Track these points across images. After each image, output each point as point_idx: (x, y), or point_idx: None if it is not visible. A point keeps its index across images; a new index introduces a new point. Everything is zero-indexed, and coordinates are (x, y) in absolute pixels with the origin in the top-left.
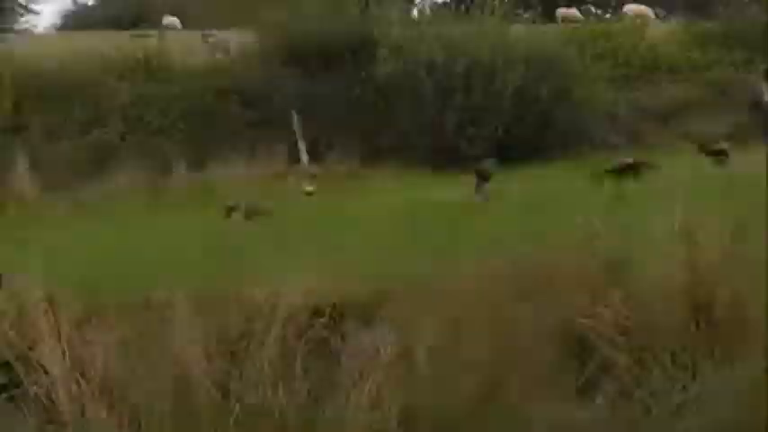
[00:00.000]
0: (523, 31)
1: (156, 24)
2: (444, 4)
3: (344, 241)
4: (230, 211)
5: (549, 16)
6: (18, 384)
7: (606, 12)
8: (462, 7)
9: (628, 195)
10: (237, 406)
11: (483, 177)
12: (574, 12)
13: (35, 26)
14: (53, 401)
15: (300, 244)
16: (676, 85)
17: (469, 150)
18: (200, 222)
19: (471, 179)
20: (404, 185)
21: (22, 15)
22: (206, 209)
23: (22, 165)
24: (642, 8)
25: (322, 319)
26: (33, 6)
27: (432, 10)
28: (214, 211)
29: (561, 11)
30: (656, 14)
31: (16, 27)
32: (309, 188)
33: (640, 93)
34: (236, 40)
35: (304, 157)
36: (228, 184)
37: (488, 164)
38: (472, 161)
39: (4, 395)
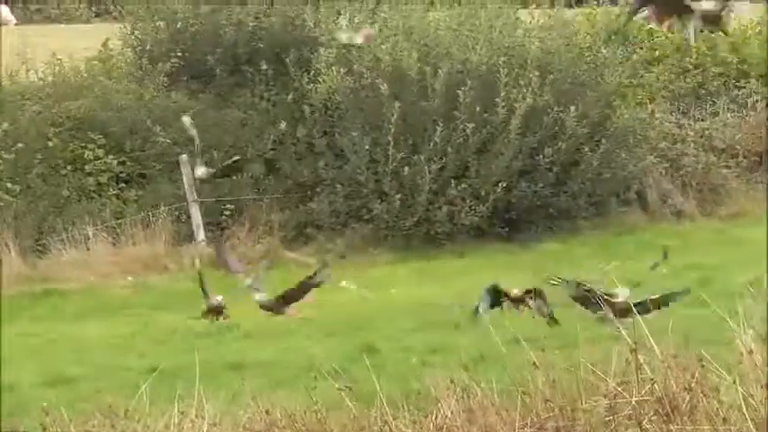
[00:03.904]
0: (539, 21)
1: None
2: None
3: None
4: None
5: None
6: None
7: None
8: None
9: None
10: None
11: None
12: None
13: None
14: None
15: None
16: None
17: (453, 221)
18: None
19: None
20: (353, 282)
21: None
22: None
23: None
24: None
25: None
26: None
27: None
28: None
29: None
30: None
31: None
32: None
33: (718, 119)
34: None
35: (199, 232)
36: (80, 279)
37: None
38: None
39: None
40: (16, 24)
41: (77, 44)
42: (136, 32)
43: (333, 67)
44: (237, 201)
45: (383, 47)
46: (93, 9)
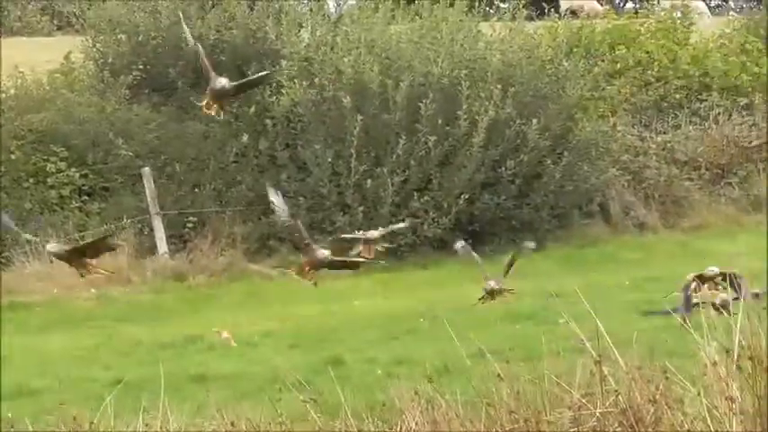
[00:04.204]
0: (500, 34)
1: None
2: None
3: None
4: None
5: (540, 8)
6: None
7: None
8: None
9: None
10: None
11: None
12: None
13: None
14: None
15: None
16: (738, 117)
17: (416, 233)
18: None
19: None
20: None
21: None
22: None
23: None
24: None
25: None
26: None
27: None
28: None
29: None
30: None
31: None
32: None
33: (680, 131)
34: None
35: (162, 244)
36: (44, 291)
37: None
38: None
39: None
40: None
41: (39, 57)
42: (98, 45)
43: (295, 80)
44: (200, 213)
45: (345, 60)
46: (56, 22)
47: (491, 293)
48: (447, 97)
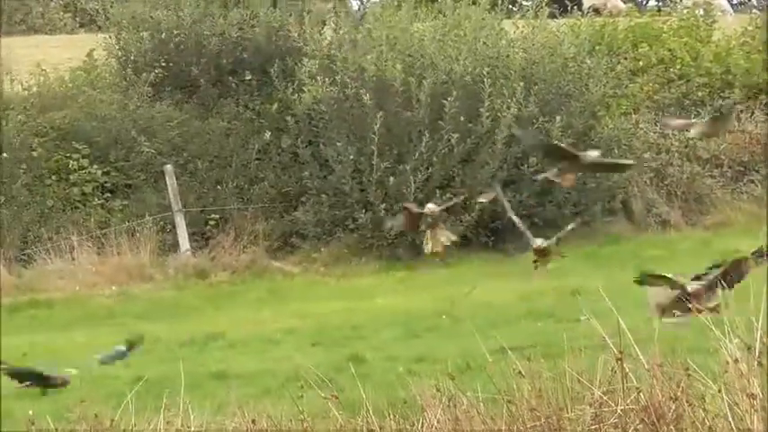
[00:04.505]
0: (523, 32)
1: None
2: None
3: None
4: None
5: (562, 6)
6: None
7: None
8: None
9: None
10: None
11: None
12: (616, 1)
13: None
14: None
15: None
16: (761, 114)
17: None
18: None
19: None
20: (338, 291)
21: None
22: None
23: None
24: None
25: None
26: None
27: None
28: None
29: None
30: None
31: None
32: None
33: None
34: None
35: (184, 242)
36: (65, 288)
37: None
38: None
39: None
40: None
41: (62, 54)
42: (120, 43)
43: (317, 78)
44: (222, 210)
45: (367, 57)
46: (78, 19)
47: (541, 253)
48: (470, 95)
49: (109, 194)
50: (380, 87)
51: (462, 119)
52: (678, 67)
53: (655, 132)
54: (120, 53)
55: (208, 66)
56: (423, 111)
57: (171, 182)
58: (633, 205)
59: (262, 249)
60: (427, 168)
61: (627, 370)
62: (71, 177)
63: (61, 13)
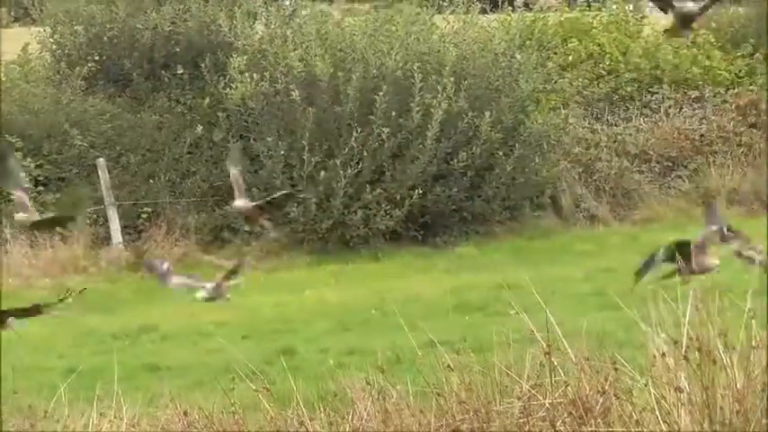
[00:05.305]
0: (454, 27)
1: None
2: None
3: None
4: None
5: (493, 1)
6: None
7: None
8: None
9: None
10: None
11: None
12: None
13: None
14: None
15: None
16: (689, 110)
17: (368, 225)
18: None
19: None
20: (270, 285)
21: None
22: None
23: None
24: None
25: None
26: None
27: None
28: None
29: None
30: None
31: None
32: None
33: (631, 124)
34: None
35: (116, 235)
36: None
37: None
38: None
39: None
40: None
41: None
42: (54, 36)
43: (246, 73)
44: (155, 204)
45: (294, 53)
46: (12, 13)
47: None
48: (400, 90)
49: (42, 188)
50: (310, 83)
51: (393, 114)
52: (607, 62)
53: (583, 127)
54: (54, 47)
55: (140, 60)
56: (351, 105)
57: (103, 175)
58: (562, 200)
59: (193, 243)
60: (357, 163)
61: (555, 364)
62: None
63: None
